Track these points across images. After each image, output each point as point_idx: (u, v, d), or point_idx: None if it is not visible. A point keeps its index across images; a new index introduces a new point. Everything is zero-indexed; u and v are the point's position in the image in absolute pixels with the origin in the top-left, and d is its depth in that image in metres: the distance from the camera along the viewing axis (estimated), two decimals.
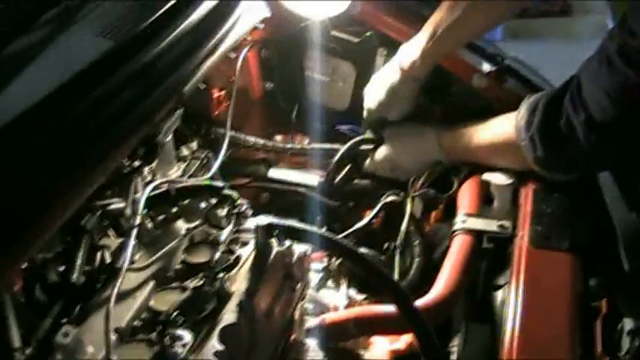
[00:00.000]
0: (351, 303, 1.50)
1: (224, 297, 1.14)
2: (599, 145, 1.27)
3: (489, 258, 1.44)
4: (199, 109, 1.77)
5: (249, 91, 1.97)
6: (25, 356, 1.01)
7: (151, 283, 1.20)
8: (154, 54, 1.28)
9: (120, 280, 1.09)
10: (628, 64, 1.17)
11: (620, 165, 1.38)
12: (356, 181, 1.80)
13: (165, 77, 1.31)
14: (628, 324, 1.16)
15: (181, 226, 1.33)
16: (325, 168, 1.82)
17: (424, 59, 1.61)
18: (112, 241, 1.28)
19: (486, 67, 1.69)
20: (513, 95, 1.60)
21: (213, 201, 1.34)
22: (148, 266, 1.22)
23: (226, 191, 1.33)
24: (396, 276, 1.54)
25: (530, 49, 1.89)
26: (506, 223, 1.45)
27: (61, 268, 1.16)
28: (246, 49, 1.75)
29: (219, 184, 1.37)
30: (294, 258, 1.29)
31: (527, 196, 1.49)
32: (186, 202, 1.35)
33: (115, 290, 1.07)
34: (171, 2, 1.37)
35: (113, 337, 1.05)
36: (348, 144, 1.76)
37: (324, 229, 1.49)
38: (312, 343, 1.33)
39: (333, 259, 1.54)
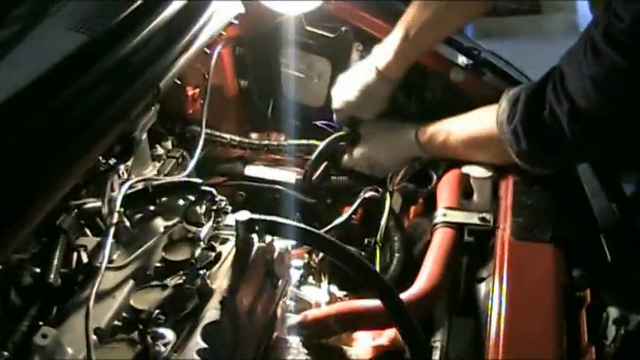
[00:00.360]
0: (332, 299, 1.48)
1: (205, 294, 1.12)
2: (584, 134, 1.26)
3: (471, 251, 1.43)
4: (174, 108, 1.75)
5: (224, 89, 1.95)
6: (2, 358, 0.99)
7: (131, 282, 1.18)
8: (129, 49, 1.27)
9: (99, 280, 1.07)
10: (614, 49, 1.15)
11: (602, 155, 1.38)
12: (334, 177, 1.79)
13: (141, 72, 1.29)
14: (613, 313, 1.16)
15: (159, 223, 1.31)
16: (302, 165, 1.80)
17: (398, 61, 1.61)
18: (90, 240, 1.26)
19: (463, 60, 1.69)
20: (492, 89, 1.60)
21: (192, 198, 1.32)
22: (126, 265, 1.20)
23: (205, 187, 1.31)
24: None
25: (501, 47, 1.89)
26: (487, 216, 1.45)
27: (37, 270, 1.14)
28: (220, 46, 1.74)
29: (198, 180, 1.35)
30: (275, 254, 1.27)
31: (507, 188, 1.48)
32: (163, 199, 1.33)
33: (94, 290, 1.05)
34: None
35: (93, 337, 1.02)
36: (326, 141, 1.75)
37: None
38: (294, 340, 1.32)
39: (314, 256, 1.52)
